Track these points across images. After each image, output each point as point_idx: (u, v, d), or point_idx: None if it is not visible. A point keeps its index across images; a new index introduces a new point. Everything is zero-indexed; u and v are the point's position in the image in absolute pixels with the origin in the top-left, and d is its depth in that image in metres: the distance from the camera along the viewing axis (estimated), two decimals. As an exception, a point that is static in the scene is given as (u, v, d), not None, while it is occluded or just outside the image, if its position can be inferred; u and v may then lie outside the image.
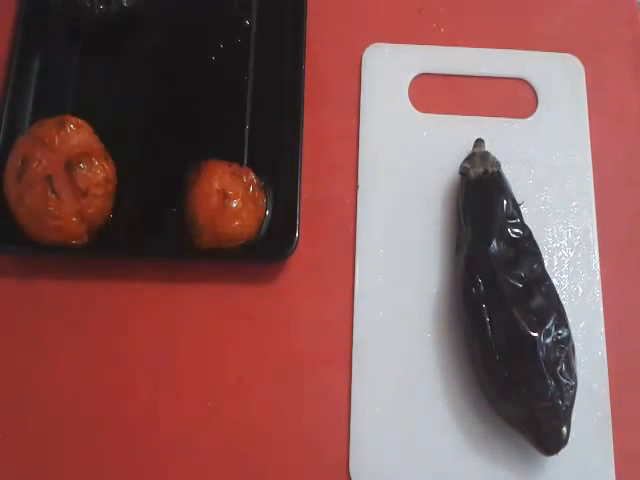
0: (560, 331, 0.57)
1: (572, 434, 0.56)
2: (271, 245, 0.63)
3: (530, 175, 0.67)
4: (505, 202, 0.62)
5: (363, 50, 0.71)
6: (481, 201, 0.63)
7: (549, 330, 0.57)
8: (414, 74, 0.71)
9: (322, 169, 0.67)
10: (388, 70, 0.71)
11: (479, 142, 0.65)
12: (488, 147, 0.65)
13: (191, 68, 0.70)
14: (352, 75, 0.70)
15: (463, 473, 0.59)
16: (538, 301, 0.58)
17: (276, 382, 0.61)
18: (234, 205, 0.61)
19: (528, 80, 0.71)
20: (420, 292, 0.63)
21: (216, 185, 0.62)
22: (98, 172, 0.61)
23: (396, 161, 0.67)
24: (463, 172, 0.64)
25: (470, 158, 0.64)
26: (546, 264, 0.61)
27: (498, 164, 0.64)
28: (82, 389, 0.61)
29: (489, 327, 0.57)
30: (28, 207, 0.60)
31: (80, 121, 0.63)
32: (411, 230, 0.65)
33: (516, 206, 0.63)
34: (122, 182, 0.64)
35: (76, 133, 0.62)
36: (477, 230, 0.61)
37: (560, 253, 0.65)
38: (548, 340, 0.56)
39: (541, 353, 0.56)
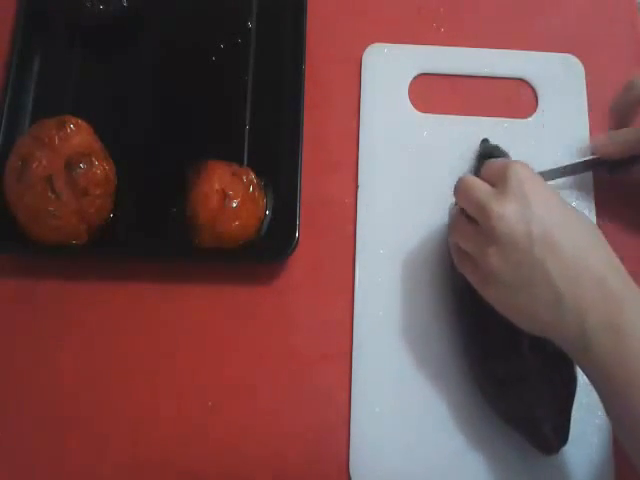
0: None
1: (572, 434, 0.56)
2: (271, 245, 0.63)
3: (530, 175, 0.67)
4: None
5: (363, 50, 0.71)
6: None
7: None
8: (414, 74, 0.71)
9: (322, 169, 0.67)
10: (388, 70, 0.71)
11: (485, 142, 0.65)
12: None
13: (191, 68, 0.70)
14: (352, 75, 0.70)
15: (463, 473, 0.59)
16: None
17: (276, 382, 0.61)
18: (234, 205, 0.61)
19: (528, 80, 0.71)
20: (420, 292, 0.63)
21: (216, 185, 0.62)
22: (98, 172, 0.61)
23: (396, 161, 0.67)
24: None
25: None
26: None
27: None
28: (82, 389, 0.61)
29: (489, 327, 0.57)
30: (28, 207, 0.60)
31: (80, 121, 0.63)
32: (411, 230, 0.65)
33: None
34: (122, 182, 0.64)
35: (76, 133, 0.62)
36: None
37: (560, 253, 0.64)
38: (548, 338, 0.56)
39: (541, 353, 0.56)
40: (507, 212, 0.52)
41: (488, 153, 0.64)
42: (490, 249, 0.52)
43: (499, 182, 0.54)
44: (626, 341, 0.48)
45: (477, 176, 0.63)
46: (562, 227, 0.52)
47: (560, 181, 0.67)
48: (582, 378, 0.58)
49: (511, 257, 0.52)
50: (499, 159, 0.58)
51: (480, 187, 0.55)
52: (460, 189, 0.57)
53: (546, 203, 0.53)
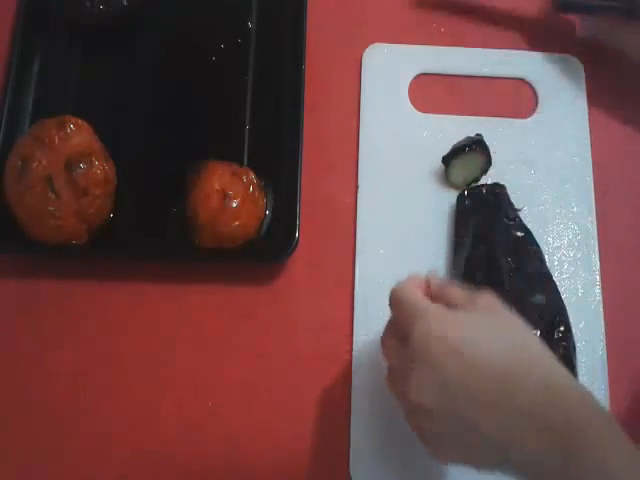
0: (561, 329, 0.57)
1: (572, 434, 0.56)
2: (271, 245, 0.63)
3: (530, 175, 0.67)
4: (504, 202, 0.63)
5: (363, 50, 0.71)
6: (481, 201, 0.63)
7: (550, 328, 0.57)
8: (414, 74, 0.71)
9: (322, 169, 0.67)
10: (388, 70, 0.71)
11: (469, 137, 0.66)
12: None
13: (191, 68, 0.70)
14: (352, 75, 0.70)
15: (463, 473, 0.59)
16: (539, 299, 0.58)
17: (276, 382, 0.61)
18: (234, 205, 0.61)
19: (528, 80, 0.71)
20: (420, 292, 0.63)
21: (216, 185, 0.62)
22: (98, 172, 0.61)
23: (396, 161, 0.67)
24: None
25: None
26: (546, 264, 0.61)
27: None
28: (82, 389, 0.61)
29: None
30: (28, 207, 0.60)
31: (80, 121, 0.63)
32: (411, 230, 0.65)
33: (514, 207, 0.63)
34: (122, 182, 0.64)
35: (76, 133, 0.62)
36: (477, 230, 0.62)
37: (560, 253, 0.65)
38: (549, 338, 0.56)
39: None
40: (421, 386, 0.46)
41: (462, 145, 0.65)
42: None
43: (405, 338, 0.48)
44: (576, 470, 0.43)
45: (448, 163, 0.64)
46: (482, 380, 0.45)
47: (560, 183, 0.67)
48: (582, 378, 0.58)
49: (435, 425, 0.47)
50: (406, 297, 0.50)
51: (389, 346, 0.50)
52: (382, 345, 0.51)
53: (457, 360, 0.45)
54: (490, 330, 0.47)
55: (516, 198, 0.65)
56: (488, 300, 0.49)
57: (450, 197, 0.65)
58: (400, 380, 0.48)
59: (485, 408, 0.45)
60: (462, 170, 0.65)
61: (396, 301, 0.51)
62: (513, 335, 0.47)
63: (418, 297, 0.50)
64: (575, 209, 0.66)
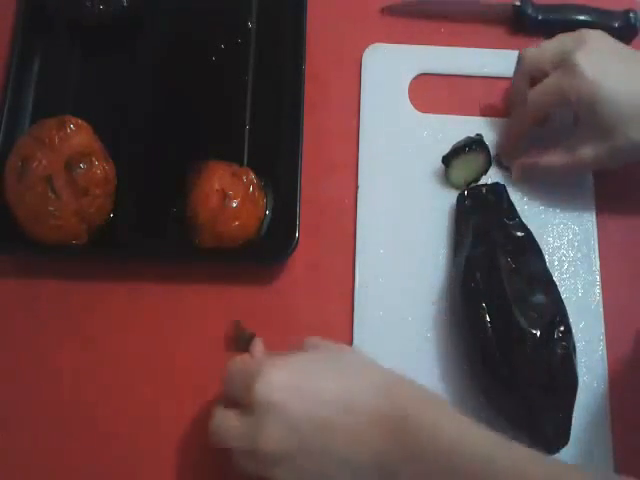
0: (561, 329, 0.57)
1: (572, 433, 0.56)
2: (271, 245, 0.63)
3: (530, 175, 0.67)
4: (504, 202, 0.63)
5: (363, 50, 0.71)
6: (481, 201, 0.63)
7: (550, 328, 0.57)
8: (414, 74, 0.71)
9: (322, 169, 0.67)
10: (388, 70, 0.71)
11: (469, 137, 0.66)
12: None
13: (191, 68, 0.70)
14: (352, 75, 0.71)
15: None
16: (539, 299, 0.58)
17: (276, 382, 0.61)
18: (234, 205, 0.61)
19: (528, 80, 0.71)
20: (420, 292, 0.63)
21: (216, 185, 0.62)
22: (98, 172, 0.61)
23: (396, 161, 0.67)
24: None
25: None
26: (546, 264, 0.61)
27: None
28: (82, 389, 0.61)
29: (489, 325, 0.57)
30: (28, 207, 0.60)
31: (80, 121, 0.63)
32: (411, 230, 0.65)
33: (514, 207, 0.63)
34: (122, 182, 0.64)
35: (76, 133, 0.62)
36: (477, 230, 0.62)
37: (560, 253, 0.65)
38: (549, 338, 0.56)
39: (543, 351, 0.56)
40: (269, 434, 0.47)
41: (462, 145, 0.65)
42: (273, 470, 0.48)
43: (246, 406, 0.49)
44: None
45: (448, 163, 0.65)
46: (324, 404, 0.48)
47: (560, 183, 0.67)
48: (582, 378, 0.58)
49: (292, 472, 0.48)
50: (236, 367, 0.52)
51: (229, 425, 0.50)
52: (211, 433, 0.52)
53: (296, 397, 0.48)
54: (321, 362, 0.51)
55: (516, 198, 0.65)
56: (314, 339, 0.53)
57: (450, 197, 0.65)
58: (248, 441, 0.48)
59: (332, 430, 0.47)
60: (462, 170, 0.65)
61: (228, 376, 0.52)
62: (340, 364, 0.51)
63: (247, 362, 0.53)
64: (575, 209, 0.66)
